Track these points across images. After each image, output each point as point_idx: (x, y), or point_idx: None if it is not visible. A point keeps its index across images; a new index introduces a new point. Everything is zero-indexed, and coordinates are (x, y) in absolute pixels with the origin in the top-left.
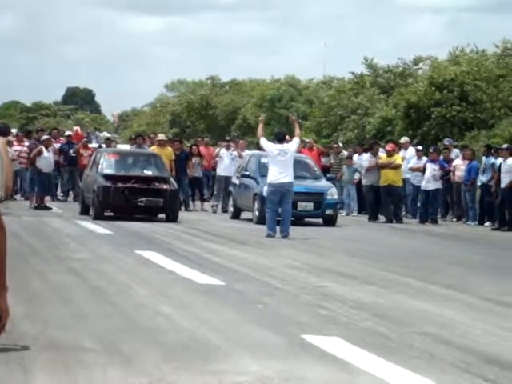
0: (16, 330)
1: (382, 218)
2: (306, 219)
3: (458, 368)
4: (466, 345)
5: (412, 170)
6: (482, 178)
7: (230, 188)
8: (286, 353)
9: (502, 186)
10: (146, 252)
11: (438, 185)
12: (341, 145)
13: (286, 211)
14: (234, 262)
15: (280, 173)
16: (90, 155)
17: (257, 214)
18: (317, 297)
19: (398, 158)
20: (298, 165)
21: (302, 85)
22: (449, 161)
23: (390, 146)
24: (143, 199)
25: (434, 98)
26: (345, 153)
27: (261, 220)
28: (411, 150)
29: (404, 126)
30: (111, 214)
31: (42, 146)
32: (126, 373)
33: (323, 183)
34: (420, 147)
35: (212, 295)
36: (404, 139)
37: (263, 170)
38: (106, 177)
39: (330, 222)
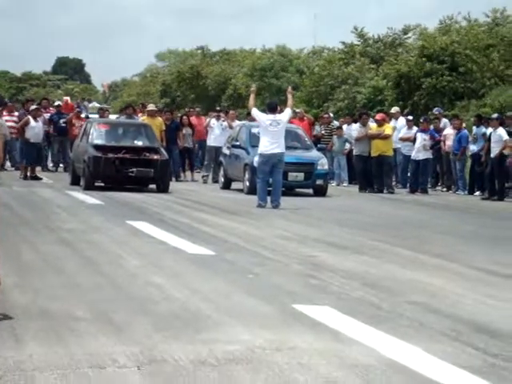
0: (7, 300)
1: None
2: (297, 189)
3: (447, 337)
4: (455, 314)
5: (402, 139)
6: (473, 148)
7: (221, 158)
8: (277, 322)
9: (492, 155)
10: (137, 222)
11: (428, 154)
12: (331, 115)
13: (277, 181)
14: (225, 232)
15: (272, 143)
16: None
17: (247, 184)
18: (307, 267)
19: (387, 128)
20: (289, 135)
21: (292, 55)
22: (439, 130)
23: (379, 116)
24: (134, 170)
25: (425, 69)
26: (335, 123)
27: (251, 190)
28: (402, 120)
29: (394, 96)
30: (102, 184)
31: (29, 116)
32: (117, 341)
33: (314, 153)
34: (410, 117)
35: (203, 265)
36: (394, 109)
37: (254, 140)
38: (97, 147)
39: (320, 192)
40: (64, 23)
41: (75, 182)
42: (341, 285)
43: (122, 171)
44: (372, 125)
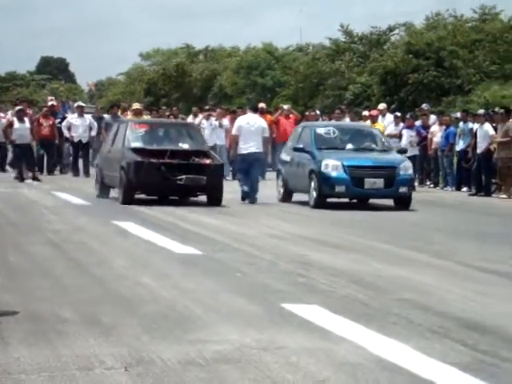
0: None
1: None
2: (374, 200)
3: (436, 334)
4: (444, 311)
5: (389, 136)
6: (460, 144)
7: (279, 166)
8: (266, 321)
9: (479, 151)
10: (124, 222)
11: (415, 151)
12: (318, 112)
13: (253, 179)
14: (213, 231)
15: (246, 143)
16: (51, 126)
17: (314, 195)
18: (296, 265)
19: (378, 125)
20: (361, 135)
21: (278, 52)
22: (427, 127)
23: (374, 112)
24: (183, 177)
25: (411, 64)
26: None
27: (319, 203)
28: (389, 117)
29: (381, 92)
30: (142, 195)
31: (13, 118)
32: (105, 343)
33: (394, 156)
34: (398, 113)
35: (191, 265)
36: (382, 105)
37: (320, 141)
38: (136, 151)
39: (403, 202)
40: (48, 22)
41: (104, 193)
42: (329, 283)
43: (170, 179)
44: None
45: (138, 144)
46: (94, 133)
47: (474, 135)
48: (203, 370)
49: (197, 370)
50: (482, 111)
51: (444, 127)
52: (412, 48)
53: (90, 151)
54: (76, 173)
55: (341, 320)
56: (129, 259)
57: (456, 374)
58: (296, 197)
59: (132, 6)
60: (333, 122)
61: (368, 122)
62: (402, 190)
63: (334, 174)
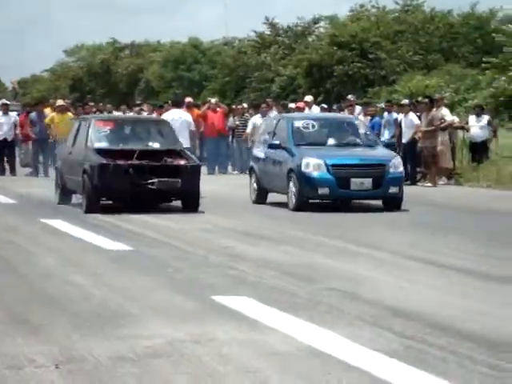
0: None
1: None
2: (361, 201)
3: (365, 321)
4: (373, 299)
5: None
6: (385, 134)
7: (251, 163)
8: (197, 315)
9: (404, 141)
10: (52, 220)
11: None
12: (245, 105)
13: None
14: (144, 227)
15: None
16: None
17: (293, 198)
18: (226, 258)
19: None
20: (342, 128)
21: (204, 46)
22: None
23: (300, 104)
24: (155, 180)
25: (336, 56)
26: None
27: (300, 206)
28: (315, 109)
29: (307, 84)
30: (109, 202)
31: None
32: (35, 342)
33: (382, 151)
34: (325, 105)
35: (122, 261)
36: (308, 98)
37: (299, 137)
38: (100, 152)
39: (393, 203)
40: None
41: (65, 200)
42: (259, 274)
43: (140, 183)
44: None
45: (102, 144)
46: (18, 131)
47: (399, 125)
48: (135, 365)
49: (128, 366)
50: (406, 101)
51: (369, 118)
52: (336, 40)
53: (16, 148)
54: (2, 172)
55: (271, 310)
56: (58, 257)
57: (385, 361)
58: (274, 197)
59: (55, 1)
60: (311, 113)
61: None
62: (393, 190)
63: (315, 174)
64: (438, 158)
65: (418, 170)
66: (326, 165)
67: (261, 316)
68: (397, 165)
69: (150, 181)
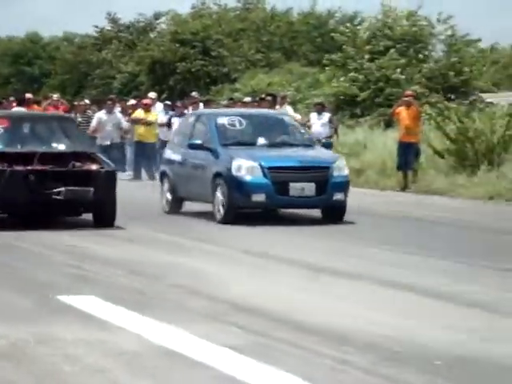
0: None
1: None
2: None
3: (209, 317)
4: (218, 295)
5: (160, 125)
6: None
7: (163, 167)
8: (41, 315)
9: None
10: None
11: None
12: (87, 102)
13: None
14: None
15: None
16: None
17: (220, 207)
18: (72, 257)
19: (152, 116)
20: (274, 126)
21: (44, 42)
22: None
23: (148, 100)
24: (61, 189)
25: (178, 53)
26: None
27: (229, 217)
28: (159, 106)
29: (150, 81)
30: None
31: None
32: None
33: (323, 152)
34: (169, 102)
35: None
36: (152, 94)
37: (224, 135)
38: None
39: (338, 212)
40: None
41: None
42: (105, 273)
43: (42, 192)
44: (139, 111)
45: None
46: None
47: None
48: None
49: None
50: (248, 99)
51: None
52: (178, 37)
53: None
54: None
55: (118, 309)
56: None
57: (233, 356)
58: (192, 206)
59: None
60: (235, 109)
61: (140, 112)
62: (337, 196)
63: (249, 178)
64: None
65: None
66: (262, 167)
67: (108, 315)
68: (341, 167)
69: (54, 189)
